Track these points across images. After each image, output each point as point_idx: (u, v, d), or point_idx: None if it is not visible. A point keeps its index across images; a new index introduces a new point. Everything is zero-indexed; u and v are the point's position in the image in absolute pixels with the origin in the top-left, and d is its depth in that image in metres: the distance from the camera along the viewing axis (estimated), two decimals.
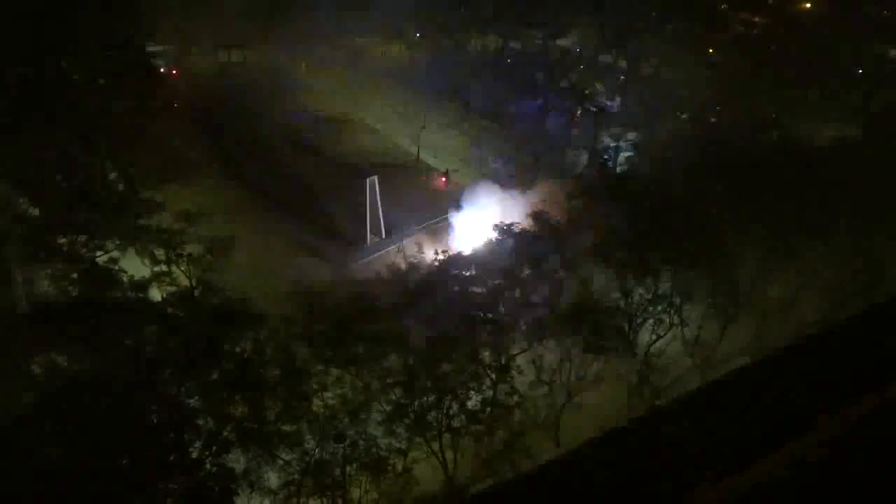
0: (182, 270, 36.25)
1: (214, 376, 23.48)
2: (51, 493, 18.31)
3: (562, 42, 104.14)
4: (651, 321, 36.99)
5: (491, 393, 30.54)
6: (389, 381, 27.66)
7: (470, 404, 29.03)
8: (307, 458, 25.47)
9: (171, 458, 20.79)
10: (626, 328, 34.90)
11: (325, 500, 25.61)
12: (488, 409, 30.10)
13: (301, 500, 25.64)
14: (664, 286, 36.83)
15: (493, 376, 30.50)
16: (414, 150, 68.07)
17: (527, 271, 32.95)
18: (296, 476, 25.37)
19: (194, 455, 21.88)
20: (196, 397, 23.24)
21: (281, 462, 25.42)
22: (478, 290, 31.39)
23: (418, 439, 28.27)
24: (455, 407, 28.40)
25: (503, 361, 30.75)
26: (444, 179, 63.81)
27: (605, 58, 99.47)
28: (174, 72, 79.95)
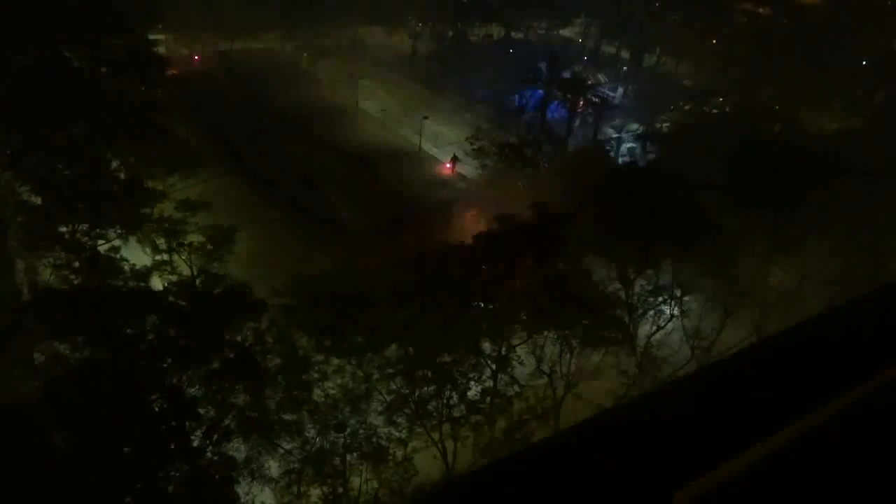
0: (183, 259, 36.35)
1: (215, 365, 23.56)
2: (53, 480, 18.45)
3: (564, 32, 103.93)
4: (651, 312, 37.04)
5: (491, 383, 30.65)
6: (390, 370, 27.78)
7: (470, 394, 29.16)
8: (308, 447, 25.64)
9: (173, 446, 20.90)
10: (627, 319, 34.93)
11: (325, 488, 25.76)
12: (488, 399, 30.21)
13: (301, 489, 25.81)
14: (665, 278, 36.86)
15: (494, 367, 30.61)
16: (416, 139, 67.95)
17: (527, 262, 32.94)
18: (296, 465, 25.56)
19: (195, 443, 22.01)
20: (197, 386, 23.35)
21: (282, 451, 25.58)
22: (478, 280, 31.39)
23: (418, 429, 28.44)
24: (455, 397, 28.52)
25: (503, 352, 30.85)
26: (450, 165, 63.67)
27: (608, 48, 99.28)
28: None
